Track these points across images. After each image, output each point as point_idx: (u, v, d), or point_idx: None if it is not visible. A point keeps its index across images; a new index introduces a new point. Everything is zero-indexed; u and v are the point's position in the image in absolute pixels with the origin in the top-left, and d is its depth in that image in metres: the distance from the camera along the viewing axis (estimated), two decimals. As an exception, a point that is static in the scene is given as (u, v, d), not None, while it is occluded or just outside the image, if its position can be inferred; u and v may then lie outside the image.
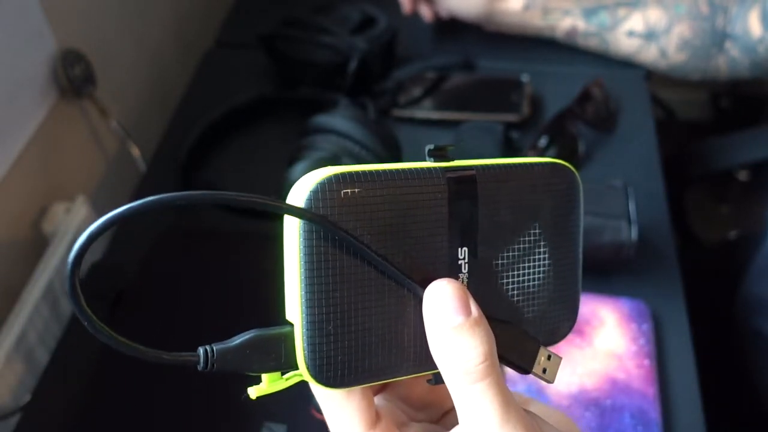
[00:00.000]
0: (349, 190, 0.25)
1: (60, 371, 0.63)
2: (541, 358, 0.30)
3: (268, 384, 0.28)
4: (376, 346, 0.27)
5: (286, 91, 0.86)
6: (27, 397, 0.62)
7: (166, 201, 0.24)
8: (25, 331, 0.62)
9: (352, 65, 0.81)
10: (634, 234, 0.63)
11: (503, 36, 0.90)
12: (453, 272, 0.28)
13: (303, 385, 0.28)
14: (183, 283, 0.68)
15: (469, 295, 0.27)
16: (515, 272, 0.29)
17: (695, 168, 0.99)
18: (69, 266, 0.23)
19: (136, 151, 0.80)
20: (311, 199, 0.25)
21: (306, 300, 0.26)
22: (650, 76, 0.89)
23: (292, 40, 0.84)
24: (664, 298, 0.66)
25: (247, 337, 0.27)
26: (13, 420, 0.60)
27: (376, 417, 0.29)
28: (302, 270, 0.26)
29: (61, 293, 0.67)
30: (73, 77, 0.70)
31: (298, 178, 0.28)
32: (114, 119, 0.77)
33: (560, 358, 0.30)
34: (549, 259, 0.30)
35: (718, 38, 0.82)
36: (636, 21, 0.84)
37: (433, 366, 0.28)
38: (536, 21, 0.87)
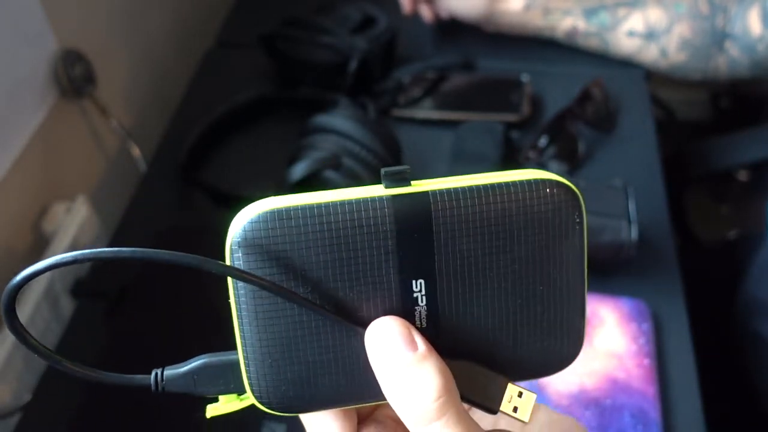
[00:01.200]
0: (278, 230, 0.25)
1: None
2: (511, 395, 0.28)
3: (224, 404, 0.29)
4: (321, 376, 0.27)
5: (286, 91, 0.86)
6: (27, 397, 0.62)
7: (97, 255, 0.25)
8: (26, 331, 0.62)
9: (353, 65, 0.81)
10: (634, 234, 0.63)
11: (503, 36, 0.90)
12: (406, 306, 0.26)
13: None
14: (184, 282, 0.68)
15: (414, 330, 0.26)
16: (489, 303, 0.27)
17: (695, 168, 0.99)
18: (5, 296, 0.25)
19: (136, 151, 0.80)
20: (240, 242, 0.25)
21: (243, 338, 0.26)
22: (650, 76, 0.89)
23: (292, 40, 0.84)
24: (664, 298, 0.66)
25: (195, 363, 0.28)
26: (13, 420, 0.60)
27: None
28: (238, 312, 0.26)
29: (61, 293, 0.67)
30: (74, 77, 0.70)
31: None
32: (114, 119, 0.77)
33: (534, 395, 0.28)
34: (532, 288, 0.27)
35: (718, 38, 0.82)
36: (636, 21, 0.84)
37: None
38: (537, 21, 0.87)
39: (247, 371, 0.27)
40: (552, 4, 0.86)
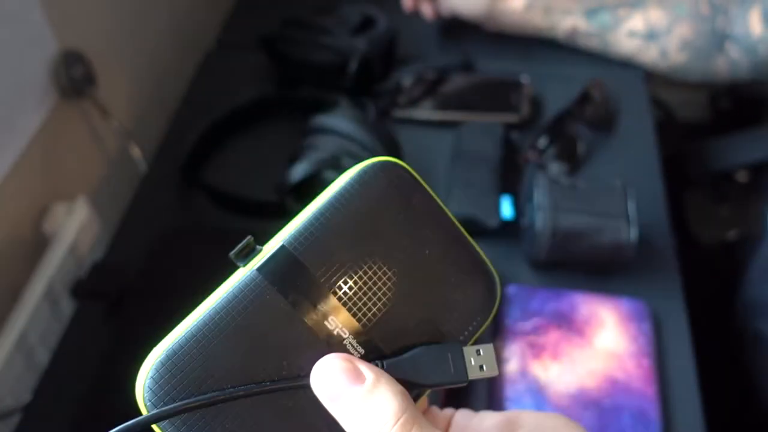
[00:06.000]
0: (178, 370, 0.25)
1: (60, 371, 0.63)
2: (471, 358, 0.28)
3: None
4: None
5: (286, 91, 0.86)
6: (27, 397, 0.62)
7: None
8: (26, 331, 0.62)
9: (353, 66, 0.81)
10: (633, 234, 0.63)
11: (503, 36, 0.90)
12: (335, 347, 0.27)
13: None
14: (184, 283, 0.68)
15: (356, 360, 0.26)
16: (398, 291, 0.28)
17: (694, 168, 0.99)
18: None
19: (136, 152, 0.80)
20: (153, 403, 0.25)
21: None
22: (650, 76, 0.89)
23: (292, 41, 0.85)
24: (664, 298, 0.66)
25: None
26: (14, 420, 0.60)
27: None
28: None
29: (61, 293, 0.67)
30: (74, 78, 0.71)
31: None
32: (115, 119, 0.77)
33: (491, 345, 0.28)
34: (420, 257, 0.28)
35: (719, 39, 0.82)
36: (637, 21, 0.84)
37: None
38: (537, 21, 0.88)
39: None
40: (553, 3, 0.87)
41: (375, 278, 0.27)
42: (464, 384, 0.28)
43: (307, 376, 0.26)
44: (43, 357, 0.65)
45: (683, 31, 0.83)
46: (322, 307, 0.27)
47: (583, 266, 0.67)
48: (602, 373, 0.59)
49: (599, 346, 0.61)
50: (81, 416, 0.59)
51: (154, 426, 0.25)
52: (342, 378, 0.25)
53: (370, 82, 0.84)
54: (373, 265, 0.27)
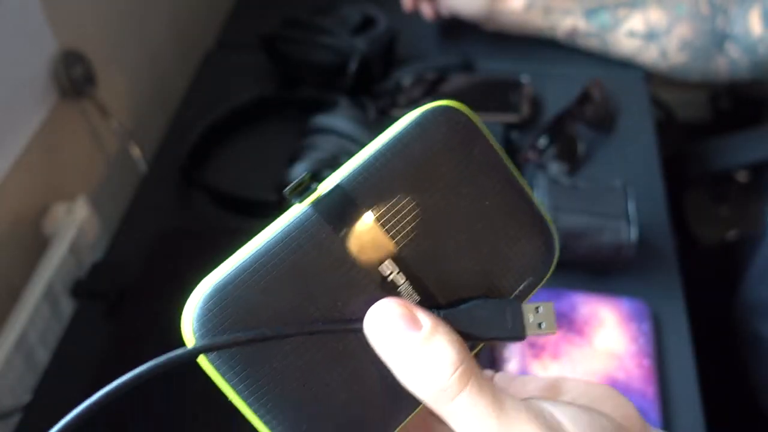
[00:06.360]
0: (229, 303, 0.24)
1: (60, 371, 0.63)
2: (530, 315, 0.27)
3: None
4: (358, 412, 0.25)
5: (286, 91, 0.86)
6: (27, 397, 0.62)
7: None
8: (26, 331, 0.62)
9: (353, 66, 0.81)
10: (633, 234, 0.63)
11: (503, 36, 0.90)
12: (391, 292, 0.26)
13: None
14: (183, 283, 0.68)
15: (413, 306, 0.25)
16: (456, 241, 0.27)
17: (694, 168, 0.99)
18: None
19: (136, 151, 0.80)
20: (202, 335, 0.24)
21: (263, 419, 0.25)
22: (650, 76, 0.89)
23: (292, 40, 0.85)
24: (664, 298, 0.66)
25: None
26: (13, 420, 0.60)
27: None
28: (242, 400, 0.24)
29: (61, 293, 0.67)
30: (74, 78, 0.71)
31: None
32: (115, 119, 0.77)
33: (551, 304, 0.27)
34: (480, 206, 0.27)
35: (719, 39, 0.82)
36: (637, 21, 0.84)
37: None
38: (537, 21, 0.88)
39: None
40: (553, 3, 0.87)
41: (432, 225, 0.26)
42: (521, 340, 0.27)
43: (360, 320, 0.25)
44: (43, 357, 0.65)
45: (683, 31, 0.83)
46: (378, 250, 0.26)
47: (583, 266, 0.67)
48: (602, 373, 0.59)
49: (599, 346, 0.61)
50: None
51: (200, 359, 0.24)
52: (398, 323, 0.24)
53: (369, 82, 0.84)
54: (430, 212, 0.26)
